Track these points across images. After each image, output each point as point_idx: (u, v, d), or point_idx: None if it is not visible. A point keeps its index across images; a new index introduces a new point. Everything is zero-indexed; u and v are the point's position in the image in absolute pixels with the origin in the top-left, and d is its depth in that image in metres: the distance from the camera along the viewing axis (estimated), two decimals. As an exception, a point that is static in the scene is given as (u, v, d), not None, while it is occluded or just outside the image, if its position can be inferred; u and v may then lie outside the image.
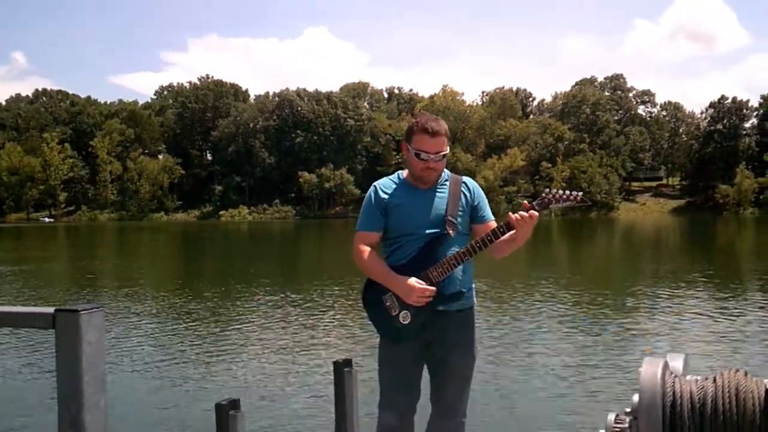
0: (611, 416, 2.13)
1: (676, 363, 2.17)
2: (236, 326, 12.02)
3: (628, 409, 2.18)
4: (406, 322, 3.41)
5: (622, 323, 11.57)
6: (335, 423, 3.99)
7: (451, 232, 3.44)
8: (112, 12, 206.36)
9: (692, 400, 2.01)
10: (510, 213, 3.29)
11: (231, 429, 3.16)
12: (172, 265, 29.02)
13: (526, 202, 3.31)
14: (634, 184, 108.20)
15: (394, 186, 3.59)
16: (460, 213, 3.52)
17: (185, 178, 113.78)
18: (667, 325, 11.27)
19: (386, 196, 3.53)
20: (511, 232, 3.32)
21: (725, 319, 11.67)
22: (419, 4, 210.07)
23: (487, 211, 3.63)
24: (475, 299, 3.65)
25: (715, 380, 2.03)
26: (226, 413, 3.17)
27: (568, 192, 3.30)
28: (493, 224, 3.55)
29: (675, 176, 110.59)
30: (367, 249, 3.51)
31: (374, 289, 3.51)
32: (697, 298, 14.33)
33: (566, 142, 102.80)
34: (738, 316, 11.95)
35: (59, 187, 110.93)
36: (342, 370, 4.02)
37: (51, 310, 1.96)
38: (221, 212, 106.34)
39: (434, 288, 3.36)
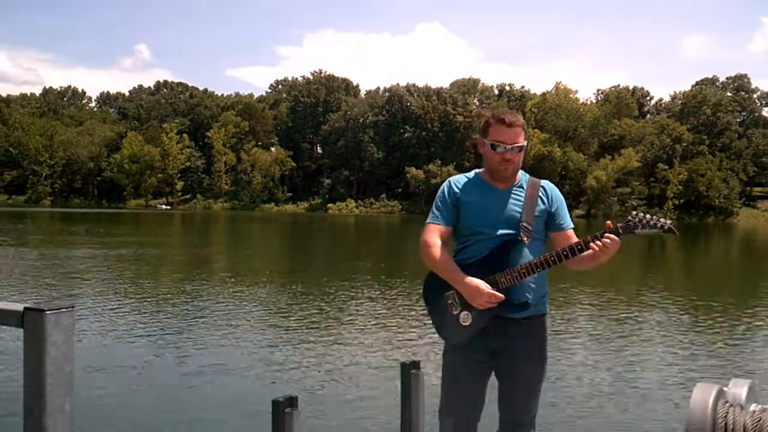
0: (661, 444, 1.96)
1: (739, 390, 1.98)
2: (308, 320, 12.04)
3: (685, 436, 2.01)
4: (466, 324, 3.31)
5: (711, 340, 10.92)
6: (400, 426, 3.92)
7: (525, 238, 3.32)
8: (231, 7, 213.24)
9: (746, 433, 1.87)
10: (590, 240, 3.16)
11: (287, 427, 3.13)
12: (270, 255, 29.59)
13: (609, 223, 3.18)
14: (756, 189, 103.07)
15: (469, 183, 3.48)
16: (535, 218, 3.38)
17: (296, 171, 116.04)
18: (762, 346, 10.56)
19: (459, 192, 3.44)
20: (590, 252, 3.18)
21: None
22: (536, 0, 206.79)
23: (566, 219, 3.48)
24: (547, 307, 3.51)
25: (774, 412, 1.83)
26: (283, 410, 3.14)
27: (656, 218, 3.13)
28: (571, 233, 3.43)
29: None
30: (435, 242, 3.39)
31: (436, 285, 3.41)
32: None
33: (684, 144, 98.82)
34: None
35: (176, 175, 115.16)
36: (409, 371, 3.94)
37: (21, 307, 1.89)
38: (329, 205, 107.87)
39: (502, 295, 3.23)
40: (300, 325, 11.46)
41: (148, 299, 14.08)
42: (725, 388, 1.98)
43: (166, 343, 9.83)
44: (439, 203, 3.47)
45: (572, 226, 3.49)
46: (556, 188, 3.53)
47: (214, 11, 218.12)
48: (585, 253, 3.20)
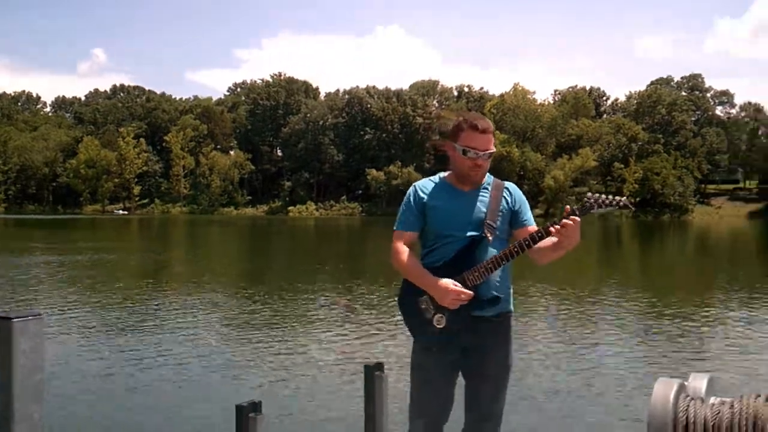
0: (624, 438, 1.99)
1: (698, 384, 2.01)
2: (270, 324, 11.92)
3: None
4: (441, 326, 3.34)
5: (668, 334, 11.07)
6: (364, 427, 3.92)
7: (489, 236, 3.38)
8: (188, 10, 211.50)
9: (706, 426, 1.88)
10: (548, 224, 3.21)
11: (251, 432, 3.12)
12: (230, 259, 29.36)
13: (567, 207, 3.22)
14: (710, 186, 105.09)
15: (435, 187, 3.53)
16: (499, 217, 3.44)
17: (255, 174, 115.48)
18: (718, 341, 10.69)
19: (426, 197, 3.48)
20: (552, 238, 3.23)
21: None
22: (494, 3, 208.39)
23: (529, 216, 3.55)
24: (512, 305, 3.58)
25: (732, 405, 1.87)
26: (246, 415, 3.12)
27: (611, 197, 3.20)
28: (534, 229, 3.46)
29: (753, 179, 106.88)
30: (403, 248, 3.46)
31: (410, 291, 3.44)
32: (761, 313, 13.38)
33: (640, 143, 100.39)
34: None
35: (134, 180, 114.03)
36: (373, 373, 3.95)
37: None
38: (289, 208, 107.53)
39: (470, 292, 3.28)
40: (262, 330, 11.37)
41: (107, 306, 13.87)
42: (686, 383, 2.01)
43: (127, 349, 9.69)
44: (405, 209, 3.53)
45: (534, 223, 3.53)
46: (518, 189, 3.60)
47: (170, 15, 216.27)
48: (548, 242, 3.25)
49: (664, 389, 1.91)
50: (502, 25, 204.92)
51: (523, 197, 3.58)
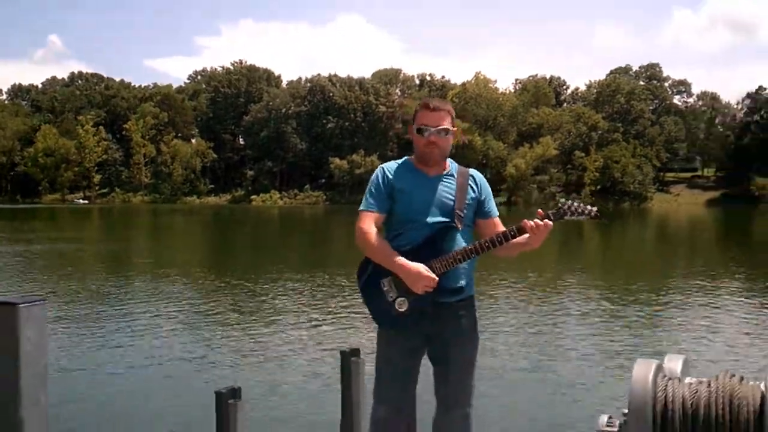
0: (604, 418, 2.06)
1: (674, 364, 2.09)
2: (243, 313, 11.97)
3: (626, 410, 2.11)
4: (402, 310, 3.33)
5: (638, 320, 11.31)
6: (341, 413, 3.98)
7: (459, 225, 3.39)
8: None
9: (684, 405, 1.94)
10: (524, 220, 3.26)
11: (231, 418, 3.15)
12: (196, 250, 29.17)
13: (540, 211, 3.28)
14: (669, 174, 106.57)
15: (401, 169, 3.51)
16: (467, 206, 3.45)
17: (217, 162, 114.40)
18: (687, 323, 10.99)
19: (393, 179, 3.46)
20: (524, 236, 3.28)
21: (753, 317, 11.44)
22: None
23: (493, 206, 3.58)
24: (474, 289, 3.58)
25: (709, 384, 1.96)
26: (226, 402, 3.16)
27: (584, 206, 3.28)
28: (497, 221, 3.54)
29: (710, 167, 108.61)
30: (371, 229, 3.39)
31: (371, 272, 3.42)
32: (723, 296, 13.87)
33: (600, 132, 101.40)
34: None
35: (93, 169, 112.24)
36: (349, 359, 4.01)
37: None
38: (253, 196, 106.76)
39: (437, 279, 3.29)
40: (236, 318, 11.40)
41: (76, 298, 13.73)
42: (662, 364, 2.09)
43: (98, 340, 9.62)
44: (372, 190, 3.48)
45: (497, 213, 3.58)
46: (483, 178, 3.63)
47: (128, 1, 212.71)
48: (517, 239, 3.30)
49: (644, 370, 1.99)
50: (463, 14, 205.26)
51: (488, 186, 3.62)
